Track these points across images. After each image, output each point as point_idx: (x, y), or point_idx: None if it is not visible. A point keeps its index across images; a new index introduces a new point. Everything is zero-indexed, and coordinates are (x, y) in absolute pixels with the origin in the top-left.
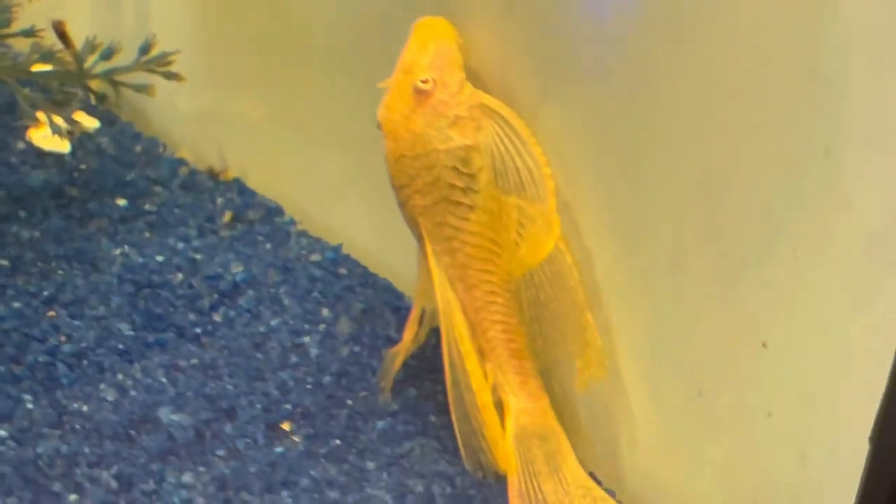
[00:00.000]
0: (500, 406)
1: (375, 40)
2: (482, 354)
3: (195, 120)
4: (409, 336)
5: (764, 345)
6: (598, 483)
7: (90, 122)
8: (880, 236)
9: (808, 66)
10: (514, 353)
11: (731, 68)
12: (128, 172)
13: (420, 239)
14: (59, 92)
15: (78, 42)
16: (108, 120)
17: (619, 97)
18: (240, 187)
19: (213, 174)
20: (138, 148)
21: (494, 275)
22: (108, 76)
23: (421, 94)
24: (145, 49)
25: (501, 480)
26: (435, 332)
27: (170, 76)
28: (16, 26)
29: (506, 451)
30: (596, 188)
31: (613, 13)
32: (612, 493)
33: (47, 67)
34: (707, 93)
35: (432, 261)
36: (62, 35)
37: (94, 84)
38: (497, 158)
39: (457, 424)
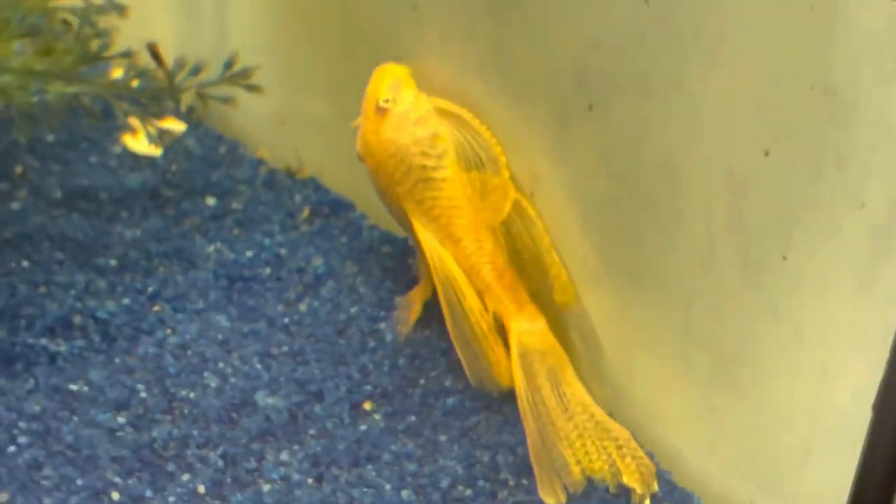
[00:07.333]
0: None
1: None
2: (480, 295)
3: (272, 123)
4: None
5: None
6: None
7: (178, 126)
8: (883, 228)
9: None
10: (508, 286)
11: (752, 85)
12: (214, 173)
13: (411, 226)
14: (153, 105)
15: (167, 59)
16: (192, 124)
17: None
18: (315, 185)
19: (290, 173)
20: (222, 149)
21: (475, 228)
22: (197, 90)
23: (384, 111)
24: (229, 65)
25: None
26: None
27: (251, 88)
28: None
29: (508, 367)
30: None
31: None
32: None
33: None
34: (731, 104)
35: (420, 232)
36: (155, 55)
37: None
38: (457, 144)
39: (460, 350)
